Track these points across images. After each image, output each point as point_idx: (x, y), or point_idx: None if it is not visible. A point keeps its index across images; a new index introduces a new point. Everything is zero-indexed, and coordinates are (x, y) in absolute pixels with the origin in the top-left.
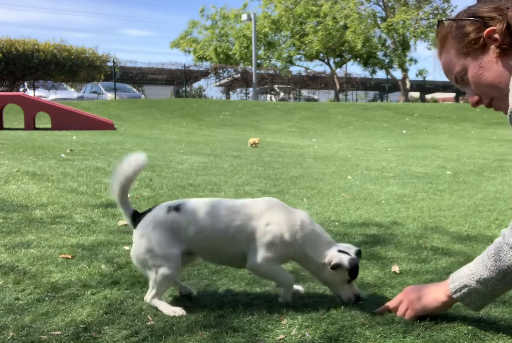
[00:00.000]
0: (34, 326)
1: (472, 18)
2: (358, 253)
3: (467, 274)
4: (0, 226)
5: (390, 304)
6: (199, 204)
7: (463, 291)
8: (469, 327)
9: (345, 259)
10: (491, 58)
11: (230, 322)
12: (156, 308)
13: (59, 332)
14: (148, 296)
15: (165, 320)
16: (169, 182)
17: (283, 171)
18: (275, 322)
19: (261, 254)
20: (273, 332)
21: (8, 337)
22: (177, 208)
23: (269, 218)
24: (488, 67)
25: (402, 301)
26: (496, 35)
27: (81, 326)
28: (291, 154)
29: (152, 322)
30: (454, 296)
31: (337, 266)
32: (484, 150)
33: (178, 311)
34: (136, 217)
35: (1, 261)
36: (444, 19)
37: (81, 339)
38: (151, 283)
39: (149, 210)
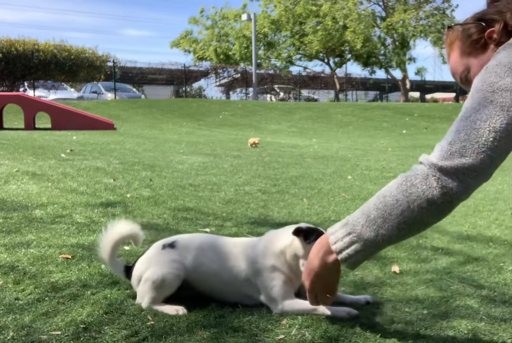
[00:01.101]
0: (34, 326)
1: (476, 22)
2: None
3: (343, 223)
4: (0, 226)
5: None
6: (195, 241)
7: (342, 239)
8: (469, 327)
9: (304, 224)
10: (490, 57)
11: (230, 322)
12: (156, 311)
13: (59, 332)
14: (145, 304)
15: (165, 320)
16: (169, 182)
17: (283, 171)
18: (275, 322)
19: (271, 293)
20: (273, 332)
21: (8, 337)
22: (171, 245)
23: (249, 256)
24: None
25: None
26: (495, 35)
27: (81, 326)
28: (291, 154)
29: (152, 322)
30: (333, 247)
31: (298, 230)
32: None
33: (180, 309)
34: (127, 269)
35: (1, 261)
36: (453, 24)
37: (81, 339)
38: (146, 292)
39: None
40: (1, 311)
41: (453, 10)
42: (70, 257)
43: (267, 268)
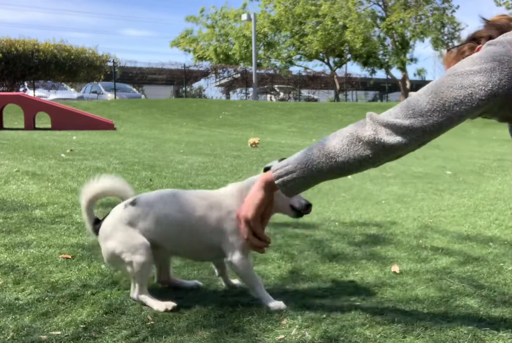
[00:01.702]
0: (34, 326)
1: (468, 42)
2: None
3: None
4: (0, 226)
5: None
6: (156, 196)
7: (282, 168)
8: (469, 327)
9: (275, 161)
10: None
11: (230, 322)
12: (145, 304)
13: (59, 332)
14: (134, 293)
15: (165, 320)
16: (169, 182)
17: None
18: (275, 322)
19: (234, 241)
20: (273, 332)
21: (8, 337)
22: (133, 203)
23: (228, 204)
24: None
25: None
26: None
27: (81, 326)
28: (291, 154)
29: (152, 322)
30: (274, 173)
31: (267, 168)
32: (484, 150)
33: (170, 305)
34: (96, 223)
35: (1, 261)
36: (451, 47)
37: (81, 339)
38: (131, 279)
39: (107, 214)
40: (1, 311)
41: (453, 10)
42: (70, 257)
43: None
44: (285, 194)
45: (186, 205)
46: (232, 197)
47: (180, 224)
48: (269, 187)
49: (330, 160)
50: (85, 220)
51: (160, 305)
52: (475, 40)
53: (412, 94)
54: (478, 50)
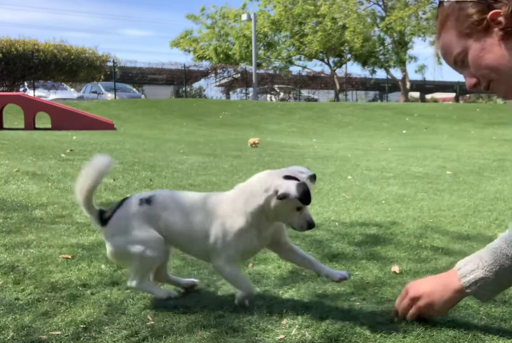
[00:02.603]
0: (34, 326)
1: (478, 1)
2: (313, 177)
3: (483, 266)
4: (0, 226)
5: (399, 308)
6: (170, 198)
7: (478, 284)
8: (469, 327)
9: (292, 187)
10: (494, 41)
11: (230, 322)
12: (145, 291)
13: (59, 332)
14: (133, 283)
15: (165, 320)
16: (169, 182)
17: None
18: (275, 322)
19: (225, 251)
20: (273, 332)
21: (8, 337)
22: (148, 201)
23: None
24: (490, 49)
25: (410, 304)
26: (501, 18)
27: (81, 326)
28: (291, 154)
29: (152, 322)
30: (468, 290)
31: (284, 196)
32: (484, 150)
33: (172, 292)
34: (102, 215)
35: (1, 261)
36: (446, 0)
37: (81, 339)
38: (134, 270)
39: (117, 206)
40: (1, 311)
41: None
42: (70, 257)
43: (236, 230)
44: (480, 299)
45: (190, 213)
46: (228, 202)
47: (182, 232)
48: (457, 299)
49: None
50: (86, 210)
51: (163, 293)
52: (484, 0)
53: None
54: (494, 15)
